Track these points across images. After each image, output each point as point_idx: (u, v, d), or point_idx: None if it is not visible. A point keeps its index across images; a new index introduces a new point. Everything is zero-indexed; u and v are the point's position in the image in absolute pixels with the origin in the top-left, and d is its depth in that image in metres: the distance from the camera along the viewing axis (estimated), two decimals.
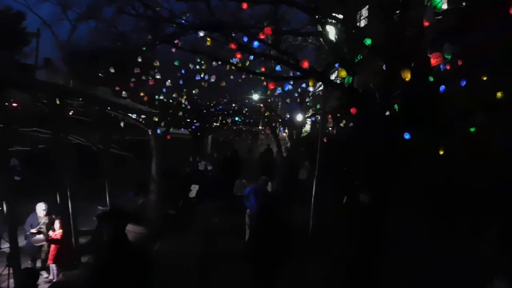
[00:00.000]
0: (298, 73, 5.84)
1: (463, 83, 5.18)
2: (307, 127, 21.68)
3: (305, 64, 4.69)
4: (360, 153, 8.78)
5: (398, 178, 6.09)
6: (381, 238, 5.58)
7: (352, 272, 5.80)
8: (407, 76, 3.89)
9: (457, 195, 8.07)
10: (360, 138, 8.16)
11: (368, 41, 4.62)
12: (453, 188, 8.27)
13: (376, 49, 4.69)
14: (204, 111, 18.98)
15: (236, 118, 23.62)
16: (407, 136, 5.60)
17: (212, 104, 16.72)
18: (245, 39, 5.88)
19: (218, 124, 23.50)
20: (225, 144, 29.68)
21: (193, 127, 18.71)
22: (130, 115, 9.85)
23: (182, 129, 19.16)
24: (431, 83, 5.17)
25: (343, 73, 4.42)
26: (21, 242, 6.44)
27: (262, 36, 4.91)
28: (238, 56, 5.91)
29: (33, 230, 6.52)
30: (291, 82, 7.32)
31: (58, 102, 6.18)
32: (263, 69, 7.07)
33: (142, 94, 8.88)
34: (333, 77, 11.87)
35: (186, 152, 18.60)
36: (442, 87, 5.22)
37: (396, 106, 5.44)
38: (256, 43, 5.60)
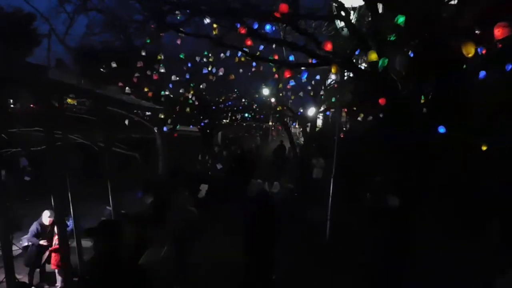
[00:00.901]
0: (314, 61, 5.22)
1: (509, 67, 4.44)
2: (319, 122, 20.93)
3: (328, 47, 4.01)
4: (385, 150, 8.05)
5: (430, 177, 5.40)
6: (409, 244, 4.95)
7: (376, 281, 5.18)
8: (470, 51, 3.16)
9: (486, 195, 7.36)
10: (387, 133, 7.43)
11: (400, 19, 3.91)
12: (481, 188, 7.56)
13: (411, 28, 3.98)
14: (213, 107, 18.42)
15: (246, 114, 23.04)
16: (442, 130, 4.92)
17: (221, 100, 16.09)
18: (256, 25, 5.26)
19: (227, 120, 22.95)
20: (235, 141, 29.11)
21: (202, 124, 18.16)
22: (138, 112, 9.31)
23: (191, 126, 18.60)
24: (469, 70, 4.46)
25: (374, 56, 3.73)
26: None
27: (277, 15, 4.24)
28: (249, 43, 5.25)
29: (43, 242, 6.08)
30: (307, 72, 6.60)
31: (60, 101, 5.67)
32: (276, 57, 6.39)
33: (146, 89, 8.32)
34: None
35: (194, 149, 18.08)
36: (482, 73, 4.49)
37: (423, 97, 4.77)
38: (268, 27, 4.93)
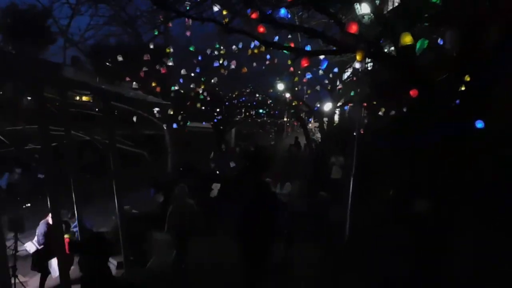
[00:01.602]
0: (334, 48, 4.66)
1: None
2: (336, 118, 20.20)
3: (353, 28, 3.44)
4: (410, 147, 7.39)
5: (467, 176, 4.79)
6: (445, 252, 4.39)
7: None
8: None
9: None
10: (415, 128, 6.77)
11: None
12: None
13: (450, 7, 3.37)
14: (226, 103, 17.98)
15: (260, 110, 22.52)
16: (480, 125, 4.30)
17: (234, 95, 15.60)
18: (269, 11, 4.72)
19: (242, 116, 22.47)
20: (249, 137, 28.61)
21: (215, 120, 17.74)
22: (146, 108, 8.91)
23: (204, 122, 18.19)
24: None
25: (408, 38, 3.16)
26: (31, 248, 5.86)
27: None
28: (261, 29, 4.72)
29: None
30: (327, 61, 5.99)
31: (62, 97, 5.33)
32: (292, 45, 5.82)
33: (154, 84, 7.91)
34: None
35: (208, 146, 17.68)
36: None
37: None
38: (283, 11, 4.38)
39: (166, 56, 8.24)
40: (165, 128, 8.35)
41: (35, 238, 6.12)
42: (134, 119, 8.46)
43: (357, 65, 3.89)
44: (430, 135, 4.56)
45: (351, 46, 4.13)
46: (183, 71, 8.54)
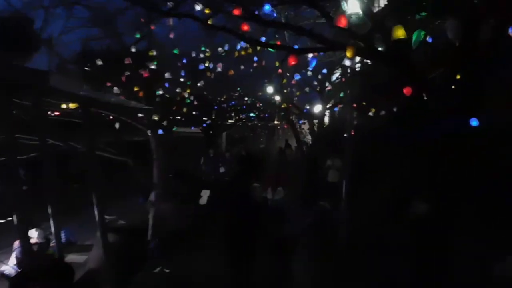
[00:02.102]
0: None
1: None
2: (326, 119, 20.04)
3: (343, 22, 3.19)
4: (405, 146, 7.18)
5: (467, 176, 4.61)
6: (448, 258, 4.18)
7: None
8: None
9: None
10: (409, 128, 6.56)
11: None
12: None
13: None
14: (215, 107, 17.68)
15: (251, 114, 22.26)
16: (474, 123, 4.09)
17: (222, 99, 15.31)
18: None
19: (232, 120, 22.19)
20: (240, 141, 28.32)
21: (204, 124, 17.42)
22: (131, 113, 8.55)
23: (192, 127, 17.83)
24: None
25: (401, 32, 2.92)
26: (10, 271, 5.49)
27: None
28: (245, 28, 4.46)
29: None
30: (315, 59, 5.76)
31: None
32: (278, 43, 5.57)
33: (136, 89, 7.58)
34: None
35: (198, 152, 17.31)
36: None
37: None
38: (267, 7, 4.13)
39: (150, 60, 7.92)
40: (149, 134, 8.00)
41: (12, 259, 5.73)
42: (117, 125, 8.09)
43: (347, 62, 3.64)
44: (429, 132, 4.38)
45: (341, 43, 3.88)
46: (167, 75, 8.22)
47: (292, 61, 3.65)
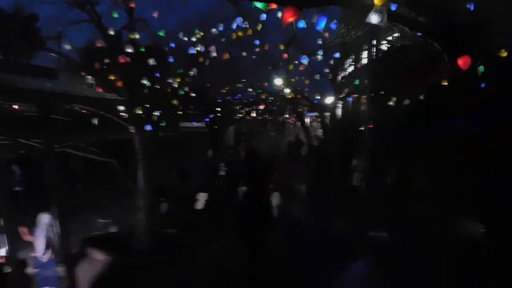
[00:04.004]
0: None
1: None
2: (339, 111, 18.52)
3: None
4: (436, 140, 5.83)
5: None
6: None
7: None
8: None
9: None
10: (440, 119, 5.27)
11: None
12: None
13: None
14: (219, 99, 16.39)
15: (259, 107, 20.95)
16: None
17: (225, 91, 14.01)
18: None
19: (240, 115, 20.92)
20: (249, 136, 27.10)
21: (207, 119, 16.16)
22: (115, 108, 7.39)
23: (194, 122, 16.61)
24: None
25: None
26: None
27: None
28: None
29: None
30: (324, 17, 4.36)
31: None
32: None
33: (112, 77, 6.40)
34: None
35: (203, 149, 16.10)
36: None
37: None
38: None
39: (131, 44, 6.71)
40: (133, 131, 6.83)
41: None
42: (95, 121, 6.93)
43: (373, 18, 2.34)
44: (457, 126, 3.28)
45: None
46: (151, 61, 7.00)
47: (289, 16, 2.37)
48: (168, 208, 9.58)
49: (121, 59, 6.14)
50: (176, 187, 11.29)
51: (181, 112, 12.80)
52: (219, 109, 17.13)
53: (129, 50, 6.22)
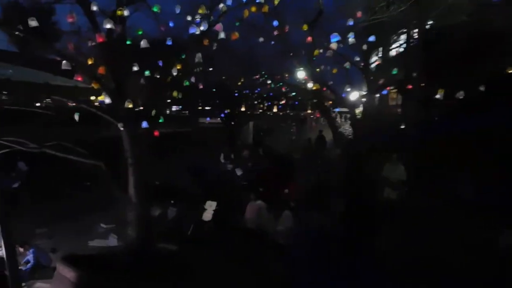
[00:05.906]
0: None
1: None
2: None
3: None
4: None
5: None
6: None
7: None
8: None
9: None
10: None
11: None
12: None
13: None
14: (236, 93, 15.01)
15: (280, 102, 19.48)
16: None
17: (240, 84, 12.57)
18: None
19: (260, 110, 19.51)
20: (268, 132, 25.62)
21: (222, 114, 14.81)
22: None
23: (208, 118, 15.31)
24: None
25: None
26: None
27: None
28: None
29: None
30: None
31: None
32: None
33: (90, 61, 5.13)
34: None
35: (219, 146, 14.76)
36: None
37: None
38: None
39: (115, 21, 5.41)
40: (121, 128, 5.56)
41: None
42: (76, 117, 5.70)
43: None
44: None
45: None
46: (143, 43, 5.66)
47: None
48: (177, 213, 8.45)
49: (99, 38, 4.83)
50: (187, 188, 10.20)
51: (200, 108, 11.51)
52: (235, 104, 15.78)
53: (108, 26, 4.90)
